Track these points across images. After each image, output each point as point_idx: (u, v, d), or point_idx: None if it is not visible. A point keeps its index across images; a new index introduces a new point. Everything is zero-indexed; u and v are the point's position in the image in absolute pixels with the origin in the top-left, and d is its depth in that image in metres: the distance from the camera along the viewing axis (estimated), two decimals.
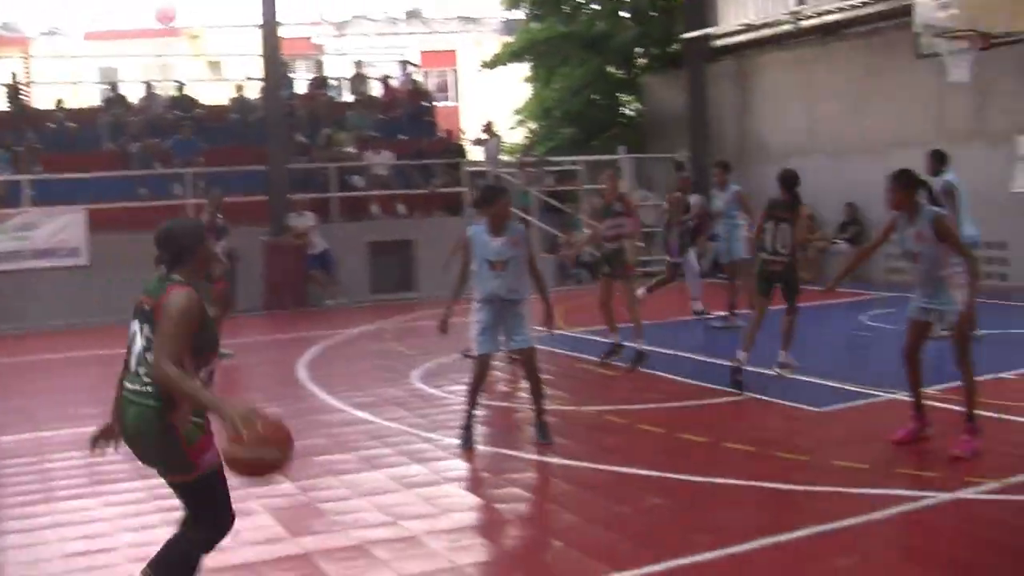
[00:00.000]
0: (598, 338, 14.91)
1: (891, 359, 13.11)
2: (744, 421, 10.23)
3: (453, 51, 52.44)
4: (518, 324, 9.39)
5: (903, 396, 10.28)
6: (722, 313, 15.90)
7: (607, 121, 32.03)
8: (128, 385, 5.31)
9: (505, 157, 28.35)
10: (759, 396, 10.97)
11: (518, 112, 34.83)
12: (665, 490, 7.93)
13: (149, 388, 5.18)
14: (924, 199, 8.79)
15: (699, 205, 21.65)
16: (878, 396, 10.71)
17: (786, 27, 24.64)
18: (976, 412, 8.64)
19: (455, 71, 51.91)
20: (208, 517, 5.42)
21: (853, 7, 22.73)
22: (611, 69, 31.67)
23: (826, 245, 22.07)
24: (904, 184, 8.61)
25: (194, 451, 5.20)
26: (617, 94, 32.43)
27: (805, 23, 24.12)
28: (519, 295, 9.43)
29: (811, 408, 10.42)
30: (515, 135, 34.43)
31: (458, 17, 55.84)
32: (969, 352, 8.63)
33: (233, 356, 14.41)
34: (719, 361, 12.99)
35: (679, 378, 12.19)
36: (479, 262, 9.40)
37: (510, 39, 34.53)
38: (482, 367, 9.64)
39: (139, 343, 5.28)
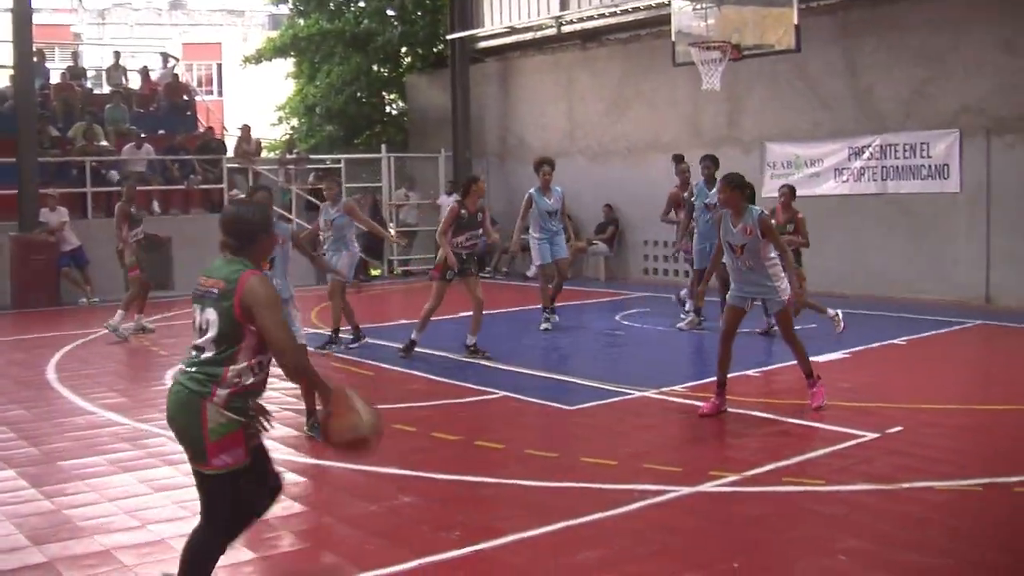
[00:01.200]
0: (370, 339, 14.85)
1: (643, 358, 13.59)
2: (497, 420, 10.37)
3: (218, 44, 51.62)
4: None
5: (652, 394, 10.68)
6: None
7: (370, 119, 32.08)
8: (180, 366, 5.34)
9: (266, 154, 28.04)
10: (514, 395, 11.14)
11: (280, 108, 34.50)
12: (415, 489, 7.98)
13: (194, 371, 5.22)
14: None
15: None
16: (630, 394, 10.99)
17: (548, 31, 25.09)
18: (812, 370, 10.02)
19: (220, 65, 51.06)
20: (214, 518, 5.37)
21: (614, 14, 23.27)
22: (376, 67, 31.70)
23: (584, 246, 22.49)
24: (734, 185, 9.80)
25: (213, 446, 5.17)
26: (382, 92, 32.45)
27: (567, 28, 24.58)
28: (284, 293, 9.36)
29: (564, 406, 10.60)
30: (277, 131, 34.15)
31: (223, 10, 55.05)
32: (792, 327, 9.98)
33: (153, 331, 16.36)
34: (478, 361, 13.15)
35: (436, 377, 12.27)
36: None
37: (275, 34, 34.21)
38: None
39: (204, 325, 5.29)
